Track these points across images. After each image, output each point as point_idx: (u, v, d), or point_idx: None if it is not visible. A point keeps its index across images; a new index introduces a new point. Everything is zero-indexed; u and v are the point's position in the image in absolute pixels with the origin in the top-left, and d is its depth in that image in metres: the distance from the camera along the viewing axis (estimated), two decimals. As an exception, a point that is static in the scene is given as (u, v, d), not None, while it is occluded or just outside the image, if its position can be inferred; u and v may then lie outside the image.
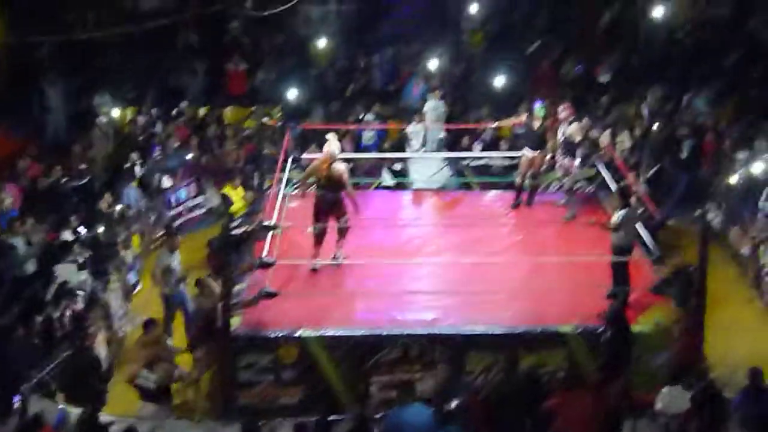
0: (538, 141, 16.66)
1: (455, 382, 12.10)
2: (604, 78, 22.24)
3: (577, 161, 16.44)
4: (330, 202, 14.70)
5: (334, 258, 14.97)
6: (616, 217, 13.84)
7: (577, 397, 10.96)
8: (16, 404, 11.48)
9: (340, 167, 14.72)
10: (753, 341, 15.41)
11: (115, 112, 20.99)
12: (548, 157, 16.73)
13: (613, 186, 16.45)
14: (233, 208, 16.36)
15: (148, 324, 12.93)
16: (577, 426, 10.72)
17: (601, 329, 12.64)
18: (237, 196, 16.51)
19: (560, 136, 16.51)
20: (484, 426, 11.07)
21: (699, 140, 19.96)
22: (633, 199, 14.93)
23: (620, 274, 13.73)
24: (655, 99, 21.38)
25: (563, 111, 16.43)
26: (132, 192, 18.13)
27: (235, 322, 13.15)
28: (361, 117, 21.04)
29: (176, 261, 15.01)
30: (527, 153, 16.82)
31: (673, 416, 11.20)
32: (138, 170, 18.84)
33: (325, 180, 14.65)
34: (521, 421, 11.10)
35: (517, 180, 17.17)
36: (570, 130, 16.35)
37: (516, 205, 17.12)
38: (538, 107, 16.74)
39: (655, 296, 13.64)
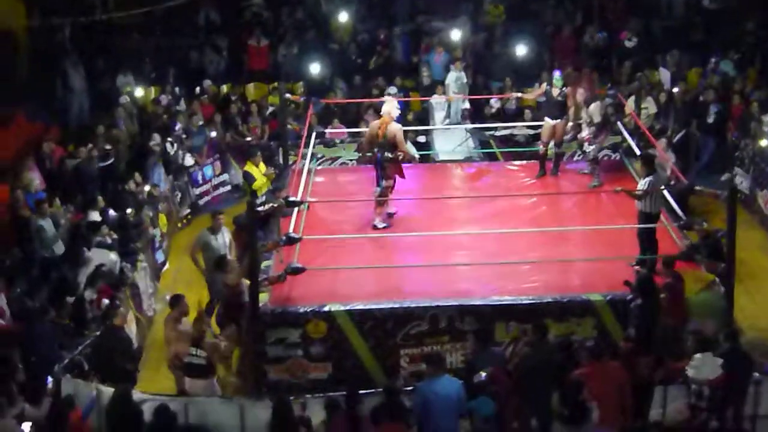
0: (559, 109, 16.60)
1: (484, 352, 12.07)
2: (630, 43, 22.10)
3: (587, 133, 16.40)
4: (383, 163, 14.96)
5: (373, 227, 15.15)
6: (642, 184, 13.77)
7: (607, 366, 10.91)
8: (49, 386, 11.55)
9: (394, 127, 14.95)
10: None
11: (138, 92, 21.05)
12: (569, 124, 16.65)
13: (638, 152, 16.38)
14: (256, 185, 16.36)
15: (174, 300, 12.95)
16: (607, 395, 10.69)
17: (630, 297, 12.60)
18: (258, 173, 16.51)
19: (585, 116, 16.46)
20: (513, 396, 11.08)
21: (726, 104, 19.87)
22: (662, 165, 14.87)
23: (647, 241, 13.67)
24: (674, 63, 21.29)
25: (582, 93, 16.39)
26: (158, 171, 18.17)
27: (263, 298, 13.19)
28: (387, 91, 20.95)
29: (220, 241, 14.90)
30: (548, 121, 16.77)
31: (704, 383, 11.15)
32: (165, 149, 18.85)
33: (382, 141, 14.89)
34: (550, 391, 11.08)
35: (541, 149, 17.12)
36: (591, 110, 16.31)
37: (541, 175, 17.06)
38: (557, 76, 16.68)
39: (683, 262, 13.55)
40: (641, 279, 12.52)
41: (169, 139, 19.05)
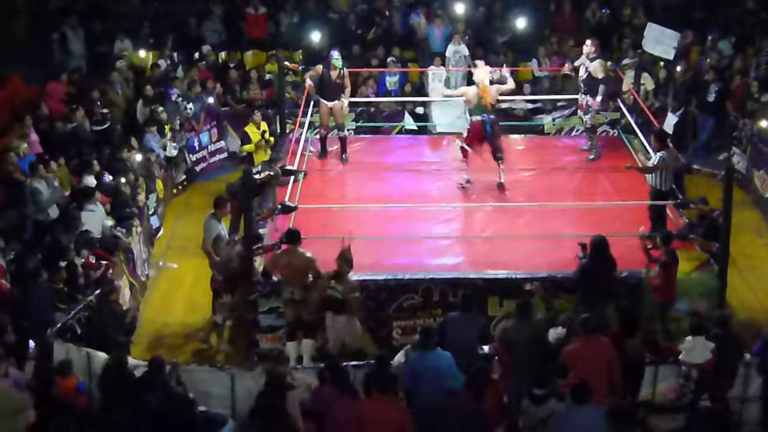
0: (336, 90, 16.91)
1: (461, 317, 11.88)
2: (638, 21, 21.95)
3: (599, 98, 16.36)
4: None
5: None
6: (654, 159, 13.73)
7: (597, 341, 10.85)
8: (31, 349, 11.50)
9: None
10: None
11: (136, 57, 20.92)
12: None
13: (637, 129, 16.39)
14: (247, 148, 16.35)
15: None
16: (596, 371, 10.63)
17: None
18: (255, 134, 16.52)
19: (583, 73, 16.45)
20: (504, 370, 11.05)
21: (726, 83, 19.80)
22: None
23: (656, 218, 13.69)
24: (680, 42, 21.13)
25: (588, 46, 16.37)
26: (153, 137, 18.05)
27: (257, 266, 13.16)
28: (388, 60, 20.77)
29: (224, 229, 14.29)
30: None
31: (693, 366, 11.16)
32: (160, 114, 18.75)
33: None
34: (539, 365, 11.00)
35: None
36: (592, 66, 16.26)
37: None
38: (336, 56, 16.98)
39: (679, 242, 13.51)
40: (595, 238, 12.47)
41: (158, 102, 18.93)
